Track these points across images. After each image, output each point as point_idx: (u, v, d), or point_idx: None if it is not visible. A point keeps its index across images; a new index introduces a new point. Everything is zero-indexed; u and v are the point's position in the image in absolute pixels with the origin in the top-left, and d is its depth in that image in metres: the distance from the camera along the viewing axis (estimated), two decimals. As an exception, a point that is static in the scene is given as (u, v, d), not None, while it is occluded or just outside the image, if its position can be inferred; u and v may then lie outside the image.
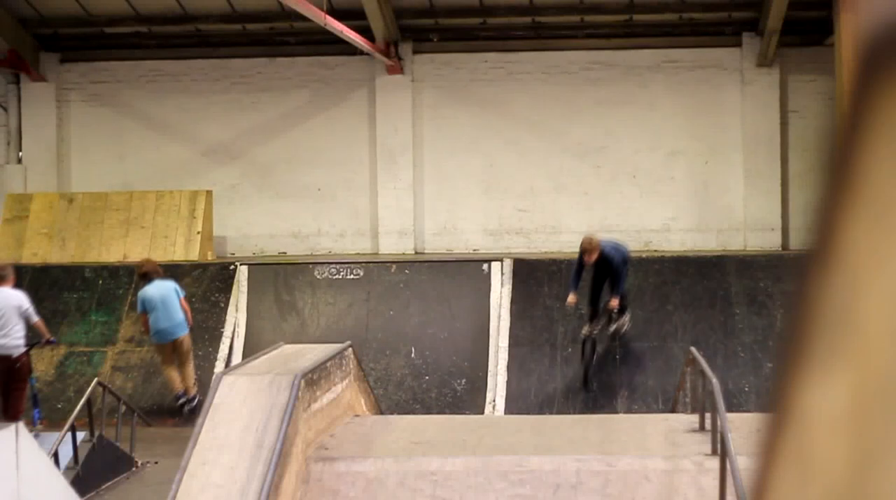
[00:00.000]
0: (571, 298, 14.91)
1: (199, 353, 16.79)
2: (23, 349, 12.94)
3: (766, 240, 19.78)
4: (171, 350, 15.18)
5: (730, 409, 9.54)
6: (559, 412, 14.90)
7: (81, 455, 11.76)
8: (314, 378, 9.54)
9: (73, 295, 17.63)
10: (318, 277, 17.56)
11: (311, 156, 20.61)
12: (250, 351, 15.30)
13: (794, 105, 20.11)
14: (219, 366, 16.28)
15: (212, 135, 20.75)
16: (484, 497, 8.71)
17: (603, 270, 14.90)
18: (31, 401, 13.83)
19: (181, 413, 15.22)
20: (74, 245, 19.12)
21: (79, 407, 11.86)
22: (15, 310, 12.56)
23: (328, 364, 10.24)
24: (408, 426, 10.35)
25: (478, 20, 20.30)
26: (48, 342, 13.98)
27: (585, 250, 14.71)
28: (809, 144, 19.94)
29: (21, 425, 8.81)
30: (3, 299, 12.48)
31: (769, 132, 19.92)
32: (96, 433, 12.16)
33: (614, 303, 14.95)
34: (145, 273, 15.20)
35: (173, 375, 15.34)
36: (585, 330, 15.40)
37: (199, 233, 19.08)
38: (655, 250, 19.46)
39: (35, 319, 13.17)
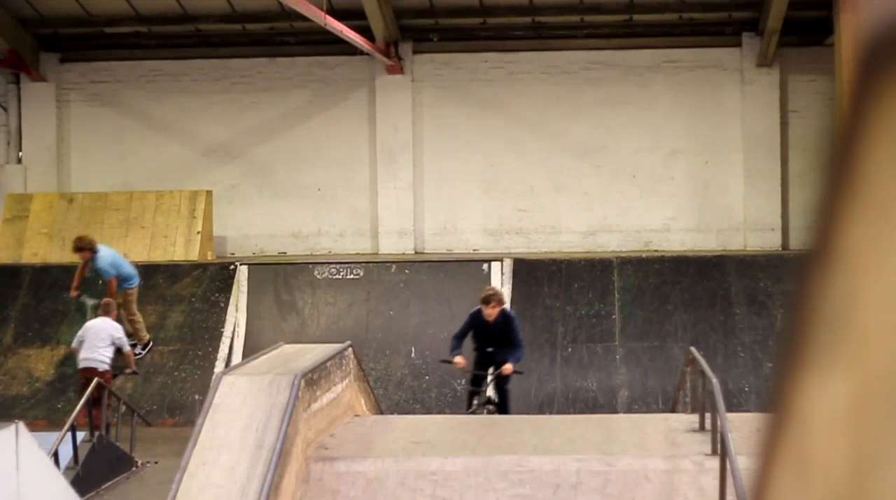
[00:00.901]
0: (460, 359, 12.39)
1: (199, 353, 16.80)
2: (107, 367, 13.80)
3: (766, 240, 19.78)
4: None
5: (730, 409, 9.54)
6: (559, 412, 14.90)
7: (81, 455, 11.76)
8: (314, 378, 9.54)
9: (74, 295, 17.61)
10: (318, 277, 17.56)
11: (310, 156, 20.61)
12: (250, 351, 15.30)
13: (794, 105, 20.11)
14: (219, 366, 16.28)
15: (212, 135, 20.75)
16: (484, 497, 8.71)
17: (499, 331, 12.41)
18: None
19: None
20: (74, 245, 19.10)
21: (79, 407, 11.86)
22: (109, 336, 13.93)
23: (328, 364, 10.24)
24: (408, 426, 10.35)
25: (478, 20, 20.30)
26: (132, 373, 15.06)
27: (488, 300, 12.31)
28: (809, 144, 19.93)
29: (21, 425, 8.82)
30: (102, 324, 14.04)
31: (769, 132, 19.92)
32: (96, 433, 12.16)
33: (510, 369, 12.30)
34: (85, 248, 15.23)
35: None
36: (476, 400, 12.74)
37: (199, 233, 19.08)
38: (655, 250, 19.46)
39: (126, 348, 14.36)
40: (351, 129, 20.56)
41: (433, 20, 20.27)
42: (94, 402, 12.66)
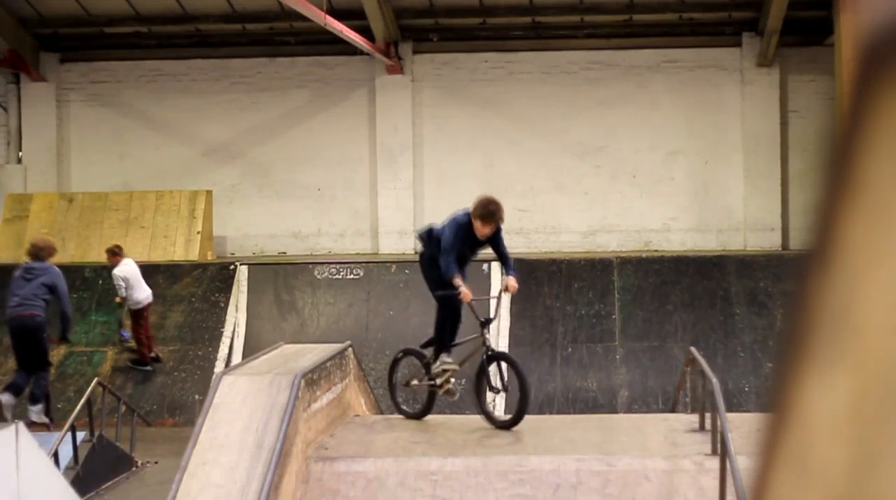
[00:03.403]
0: (466, 289, 9.72)
1: (199, 353, 16.80)
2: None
3: (766, 240, 19.78)
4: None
5: (730, 409, 9.55)
6: (559, 412, 14.90)
7: (81, 455, 11.76)
8: (314, 378, 9.54)
9: (73, 295, 17.59)
10: (318, 277, 17.56)
11: (310, 156, 20.61)
12: (250, 351, 15.30)
13: (794, 105, 20.11)
14: (219, 366, 16.28)
15: (212, 135, 20.75)
16: (484, 497, 8.71)
17: (482, 246, 10.05)
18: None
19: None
20: (74, 245, 19.11)
21: (79, 407, 11.85)
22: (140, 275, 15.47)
23: (328, 364, 10.24)
24: (408, 426, 10.35)
25: (478, 20, 20.30)
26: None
27: (489, 217, 9.70)
28: (809, 144, 19.94)
29: (21, 424, 8.81)
30: (132, 266, 15.52)
31: (769, 132, 19.93)
32: (96, 433, 12.16)
33: (515, 284, 9.83)
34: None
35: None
36: (446, 365, 10.14)
37: (199, 233, 19.08)
38: (655, 250, 19.46)
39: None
40: (351, 129, 20.56)
41: (433, 20, 20.27)
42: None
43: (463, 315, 10.08)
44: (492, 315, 10.21)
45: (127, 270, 16.14)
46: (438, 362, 10.14)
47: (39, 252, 12.69)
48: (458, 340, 10.22)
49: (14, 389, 12.32)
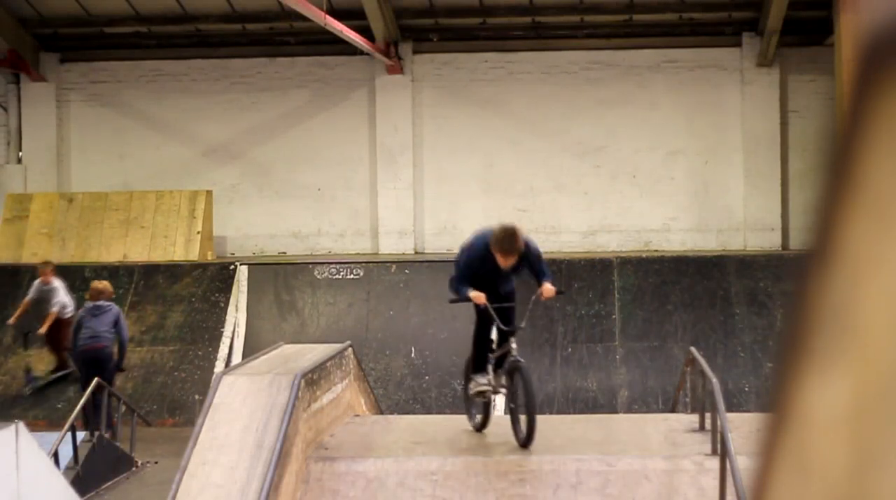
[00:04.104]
0: (478, 293, 9.21)
1: (199, 353, 16.80)
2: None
3: (766, 240, 19.78)
4: None
5: (730, 409, 9.55)
6: (559, 412, 14.89)
7: (81, 455, 11.76)
8: (314, 378, 9.54)
9: (74, 295, 17.61)
10: (318, 277, 17.56)
11: (310, 155, 20.61)
12: (250, 351, 15.30)
13: (794, 105, 20.11)
14: (219, 366, 16.28)
15: (212, 135, 20.75)
16: (484, 497, 8.71)
17: (512, 272, 9.42)
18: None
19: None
20: (74, 245, 19.11)
21: (79, 407, 11.86)
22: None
23: (328, 364, 10.24)
24: (408, 426, 10.35)
25: (478, 20, 20.30)
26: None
27: (508, 250, 9.02)
28: (809, 144, 19.94)
29: (21, 425, 8.82)
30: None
31: (769, 132, 19.93)
32: (96, 433, 12.17)
33: (552, 290, 9.19)
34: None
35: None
36: (485, 383, 9.59)
37: (199, 233, 19.08)
38: (655, 250, 19.46)
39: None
40: (351, 129, 20.56)
41: (433, 20, 20.27)
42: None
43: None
44: (521, 324, 9.52)
45: (60, 283, 16.37)
46: (473, 384, 9.68)
47: (100, 295, 14.29)
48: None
49: (93, 424, 13.08)
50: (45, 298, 16.17)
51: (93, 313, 14.08)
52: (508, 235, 9.01)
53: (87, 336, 13.93)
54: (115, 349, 14.12)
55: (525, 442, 9.03)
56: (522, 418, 9.04)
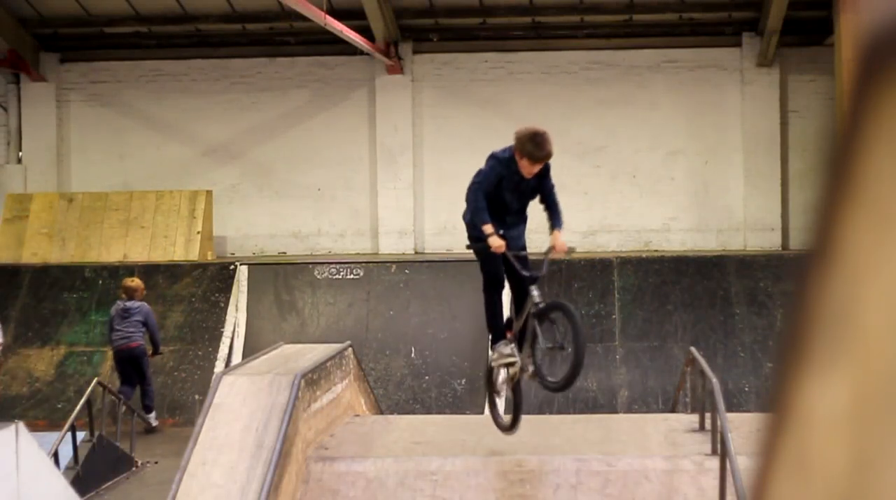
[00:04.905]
0: (498, 240, 8.04)
1: (199, 353, 16.80)
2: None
3: (766, 240, 19.78)
4: None
5: (730, 409, 9.55)
6: (559, 412, 14.90)
7: (81, 455, 11.76)
8: (314, 378, 9.54)
9: (73, 295, 17.62)
10: (318, 277, 17.56)
11: (310, 155, 20.61)
12: (250, 351, 15.30)
13: (794, 105, 20.11)
14: (219, 366, 16.29)
15: (212, 135, 20.75)
16: (484, 497, 8.70)
17: (530, 191, 8.49)
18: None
19: None
20: (74, 245, 19.11)
21: (79, 407, 11.86)
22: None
23: (328, 364, 10.24)
24: (408, 426, 10.35)
25: (478, 20, 20.30)
26: None
27: (539, 155, 8.15)
28: (809, 144, 19.94)
29: (21, 425, 8.81)
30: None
31: (769, 132, 19.93)
32: (96, 433, 12.17)
33: (564, 245, 8.29)
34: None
35: None
36: (504, 358, 8.44)
37: (199, 233, 19.08)
38: (655, 250, 19.46)
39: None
40: (351, 129, 20.56)
41: (433, 20, 20.27)
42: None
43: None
44: (542, 271, 8.27)
45: None
46: (495, 354, 8.39)
47: (134, 293, 15.01)
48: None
49: (125, 394, 14.47)
50: None
51: (122, 315, 14.88)
52: (540, 133, 8.07)
53: (120, 338, 14.81)
54: (148, 344, 14.99)
55: (563, 384, 7.95)
56: (559, 358, 7.94)
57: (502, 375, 8.49)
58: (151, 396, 15.15)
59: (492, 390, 8.79)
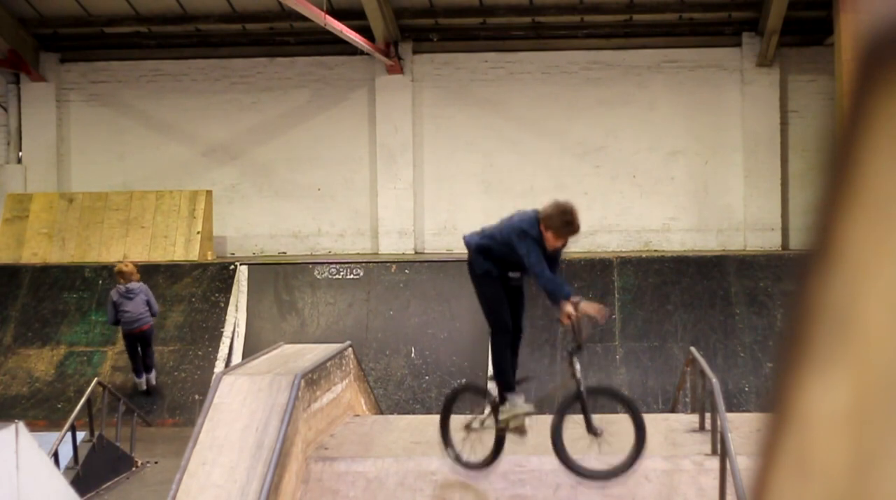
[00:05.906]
0: (573, 309, 8.17)
1: (199, 353, 16.80)
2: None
3: (766, 240, 19.78)
4: None
5: (730, 409, 9.55)
6: (559, 412, 14.87)
7: (81, 455, 11.76)
8: (314, 378, 9.54)
9: (73, 295, 17.62)
10: (318, 277, 17.56)
11: (310, 156, 20.61)
12: (250, 351, 15.30)
13: (794, 105, 20.11)
14: (219, 366, 16.29)
15: (212, 135, 20.75)
16: (484, 497, 8.70)
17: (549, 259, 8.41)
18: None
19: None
20: (74, 245, 19.11)
21: (79, 407, 11.86)
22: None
23: (328, 364, 10.24)
24: (408, 426, 10.35)
25: (478, 20, 20.30)
26: None
27: (567, 232, 8.16)
28: (809, 144, 19.94)
29: (21, 425, 8.82)
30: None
31: (769, 132, 19.92)
32: (96, 433, 12.17)
33: (600, 308, 8.50)
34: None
35: None
36: (519, 409, 8.45)
37: (199, 233, 19.07)
38: (655, 250, 19.46)
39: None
40: (351, 129, 20.56)
41: (433, 20, 20.27)
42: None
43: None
44: (582, 337, 8.28)
45: None
46: (508, 406, 8.33)
47: (130, 277, 15.69)
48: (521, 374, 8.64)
49: (137, 372, 15.99)
50: None
51: (127, 296, 15.55)
52: (572, 210, 8.03)
53: (131, 320, 15.51)
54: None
55: (623, 469, 8.00)
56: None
57: (511, 424, 8.30)
58: (153, 356, 16.07)
59: (446, 425, 8.62)
